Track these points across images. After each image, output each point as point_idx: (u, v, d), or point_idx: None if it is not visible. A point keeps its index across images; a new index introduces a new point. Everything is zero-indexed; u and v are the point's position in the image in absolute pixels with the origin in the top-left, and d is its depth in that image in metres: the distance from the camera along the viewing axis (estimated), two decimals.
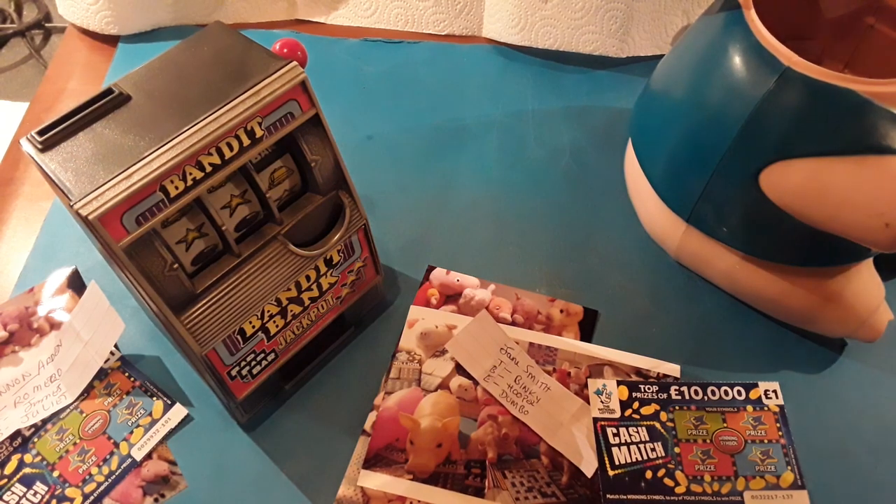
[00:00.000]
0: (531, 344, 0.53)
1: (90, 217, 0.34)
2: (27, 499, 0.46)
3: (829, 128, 0.43)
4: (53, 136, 0.37)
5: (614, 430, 0.49)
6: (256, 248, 0.42)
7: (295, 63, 0.40)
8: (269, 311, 0.44)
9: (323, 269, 0.46)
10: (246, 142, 0.39)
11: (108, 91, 0.39)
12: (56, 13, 1.21)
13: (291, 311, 0.45)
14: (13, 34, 1.19)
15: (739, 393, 0.50)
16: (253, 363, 0.45)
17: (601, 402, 0.50)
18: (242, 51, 0.41)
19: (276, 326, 0.45)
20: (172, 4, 0.73)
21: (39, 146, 0.37)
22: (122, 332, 0.51)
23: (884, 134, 0.42)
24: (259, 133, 0.39)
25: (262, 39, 0.43)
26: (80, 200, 0.34)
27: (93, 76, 0.71)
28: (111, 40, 0.74)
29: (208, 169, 0.38)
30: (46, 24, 1.20)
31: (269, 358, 0.46)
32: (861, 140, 0.42)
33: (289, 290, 0.44)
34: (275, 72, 0.39)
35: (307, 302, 0.46)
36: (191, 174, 0.37)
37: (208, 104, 0.38)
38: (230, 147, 0.38)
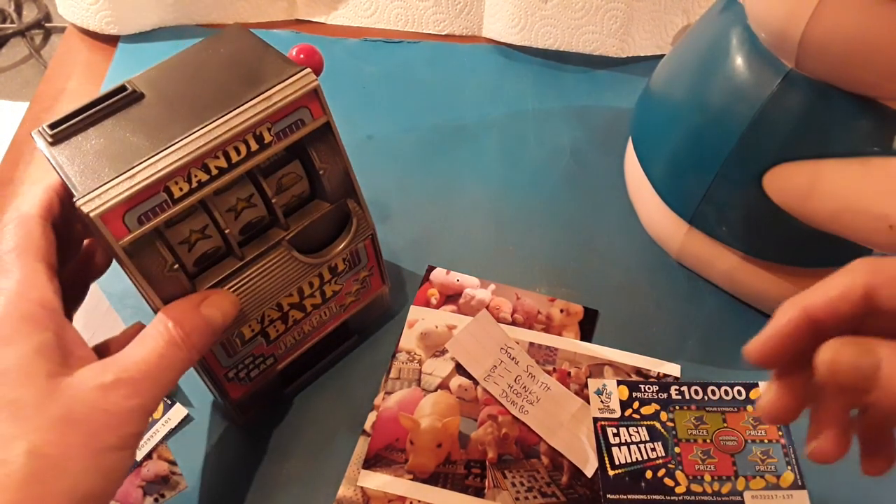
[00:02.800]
0: (531, 344, 0.53)
1: (92, 214, 0.34)
2: None
3: (834, 129, 0.43)
4: (64, 130, 0.37)
5: (614, 430, 0.49)
6: (260, 252, 0.42)
7: (309, 70, 0.39)
8: (269, 316, 0.44)
9: (327, 276, 0.45)
10: (254, 147, 0.38)
11: (122, 88, 0.38)
12: (56, 13, 1.21)
13: (293, 316, 0.45)
14: (13, 34, 1.18)
15: (740, 393, 0.50)
16: (251, 366, 0.45)
17: (601, 401, 0.50)
18: (258, 54, 0.41)
19: (277, 331, 0.45)
20: (173, 4, 0.73)
21: (49, 140, 0.37)
22: None
23: (889, 135, 0.42)
24: (268, 138, 0.39)
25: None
26: (82, 197, 0.34)
27: (93, 76, 0.71)
28: (111, 40, 0.73)
29: (214, 172, 0.37)
30: (46, 24, 1.20)
31: (268, 362, 0.46)
32: (866, 141, 0.42)
33: (291, 295, 0.44)
34: (288, 77, 0.39)
35: (309, 308, 0.46)
36: (196, 177, 0.37)
37: (219, 107, 0.37)
38: (238, 151, 0.38)
